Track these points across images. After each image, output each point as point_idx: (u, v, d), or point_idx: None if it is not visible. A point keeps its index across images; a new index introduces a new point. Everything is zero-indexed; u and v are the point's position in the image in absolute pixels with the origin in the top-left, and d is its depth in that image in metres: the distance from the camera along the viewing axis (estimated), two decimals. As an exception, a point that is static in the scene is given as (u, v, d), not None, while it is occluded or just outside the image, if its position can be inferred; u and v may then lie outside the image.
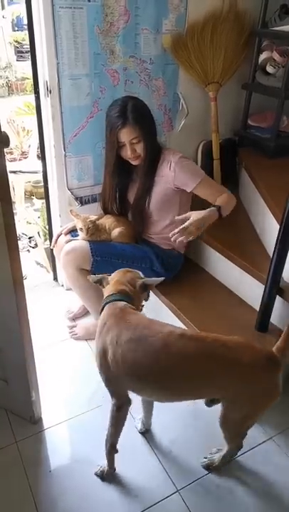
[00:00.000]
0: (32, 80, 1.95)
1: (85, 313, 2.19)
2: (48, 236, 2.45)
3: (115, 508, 1.41)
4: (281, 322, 1.79)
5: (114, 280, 1.44)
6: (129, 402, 1.41)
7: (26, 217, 3.03)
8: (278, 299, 1.72)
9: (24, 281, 1.45)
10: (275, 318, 1.78)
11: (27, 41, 1.88)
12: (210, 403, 1.40)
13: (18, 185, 3.34)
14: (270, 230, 1.87)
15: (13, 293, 1.34)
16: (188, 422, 1.66)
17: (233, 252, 1.92)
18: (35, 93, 1.95)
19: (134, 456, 1.55)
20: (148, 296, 1.47)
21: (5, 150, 1.15)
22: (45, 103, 1.92)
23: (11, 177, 3.26)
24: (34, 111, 2.04)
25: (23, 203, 3.37)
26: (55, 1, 1.71)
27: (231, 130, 2.43)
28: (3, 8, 7.03)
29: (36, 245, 2.83)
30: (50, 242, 2.19)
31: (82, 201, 2.17)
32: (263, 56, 2.18)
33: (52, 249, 2.15)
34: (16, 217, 3.02)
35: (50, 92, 1.87)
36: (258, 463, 1.54)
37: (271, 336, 1.77)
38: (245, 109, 2.32)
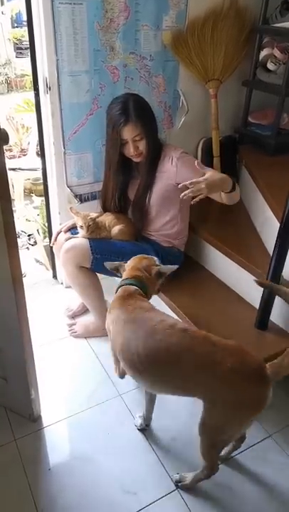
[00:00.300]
0: (31, 77, 1.94)
1: (84, 311, 2.19)
2: (47, 234, 2.44)
3: (114, 505, 1.41)
4: (281, 320, 1.79)
5: (130, 266, 1.52)
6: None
7: (25, 215, 3.02)
8: (278, 297, 1.72)
9: (23, 278, 1.45)
10: (274, 316, 1.77)
11: (26, 38, 1.86)
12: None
13: (17, 183, 3.33)
14: (270, 227, 1.87)
15: (12, 291, 1.34)
16: (187, 421, 1.66)
17: (232, 250, 1.92)
18: (34, 90, 1.94)
19: (133, 454, 1.55)
20: (163, 283, 1.53)
21: (4, 147, 1.15)
22: (45, 100, 1.91)
23: (10, 174, 3.25)
24: (33, 108, 2.03)
25: (23, 201, 3.36)
26: (54, -3, 1.70)
27: (232, 127, 2.42)
28: (2, 4, 7.00)
29: (36, 243, 2.82)
30: (50, 239, 2.19)
31: (81, 199, 2.16)
32: (263, 53, 2.17)
33: (51, 247, 2.14)
34: (15, 215, 3.02)
35: (50, 89, 1.86)
36: (257, 461, 1.54)
37: (271, 333, 1.77)
38: (245, 106, 2.32)
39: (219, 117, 2.21)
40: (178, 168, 1.78)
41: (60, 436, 1.62)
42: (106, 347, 2.00)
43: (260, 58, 2.19)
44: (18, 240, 2.87)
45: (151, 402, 1.60)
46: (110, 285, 2.20)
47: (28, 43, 1.87)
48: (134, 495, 1.43)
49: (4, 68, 6.40)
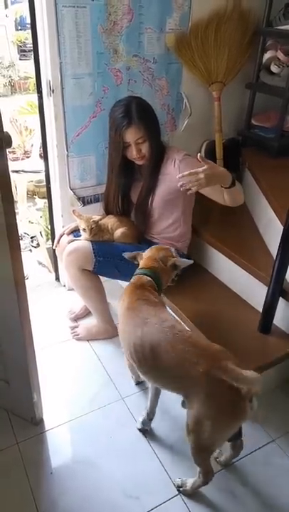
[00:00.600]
0: (35, 80, 1.94)
1: (86, 313, 2.19)
2: (50, 236, 2.44)
3: (117, 509, 1.40)
4: (284, 324, 1.78)
5: (147, 256, 1.58)
6: None
7: (28, 217, 3.02)
8: (281, 301, 1.71)
9: (26, 281, 1.45)
10: (278, 319, 1.76)
11: (30, 40, 1.87)
12: (183, 403, 1.38)
13: (20, 185, 3.33)
14: (273, 230, 1.86)
15: (14, 293, 1.33)
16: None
17: (236, 253, 1.91)
18: (37, 92, 1.95)
19: (135, 458, 1.54)
20: (178, 274, 1.58)
21: (7, 149, 1.15)
22: (48, 102, 1.91)
23: (13, 176, 3.26)
24: (37, 110, 2.03)
25: (26, 203, 3.37)
26: (58, 0, 1.70)
27: (235, 130, 2.42)
28: (6, 7, 7.03)
29: (38, 245, 2.82)
30: (53, 242, 2.19)
31: (84, 201, 2.16)
32: (267, 55, 2.17)
33: (54, 249, 2.14)
34: (18, 217, 3.02)
35: (53, 92, 1.86)
36: (260, 465, 1.53)
37: (274, 337, 1.76)
38: (248, 108, 2.31)
39: (222, 120, 2.21)
40: (180, 171, 1.77)
41: (62, 439, 1.62)
42: (109, 350, 2.00)
43: (264, 61, 2.18)
44: (21, 242, 2.87)
45: (155, 395, 1.60)
46: (113, 288, 2.21)
47: (31, 45, 1.87)
48: (136, 499, 1.42)
49: (8, 70, 6.42)
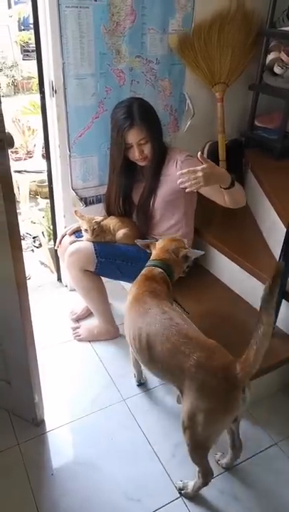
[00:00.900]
0: (37, 80, 1.94)
1: (88, 314, 2.18)
2: (52, 236, 2.44)
3: (117, 512, 1.40)
4: (286, 326, 1.77)
5: (160, 246, 1.60)
6: None
7: (31, 217, 3.02)
8: (284, 303, 1.70)
9: (28, 281, 1.45)
10: (279, 321, 1.76)
11: (33, 40, 1.87)
12: (178, 398, 1.39)
13: (22, 185, 3.34)
14: (276, 232, 1.85)
15: (16, 293, 1.33)
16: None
17: (238, 255, 1.90)
18: (40, 93, 1.94)
19: (137, 460, 1.54)
20: (189, 265, 1.61)
21: (10, 150, 1.14)
22: (51, 103, 1.91)
23: (16, 176, 3.26)
24: (39, 110, 2.03)
25: (28, 203, 3.37)
26: (61, 1, 1.70)
27: (238, 131, 2.41)
28: (9, 7, 7.04)
29: (40, 245, 2.82)
30: (55, 242, 2.18)
31: (86, 202, 2.16)
32: (270, 56, 2.16)
33: (56, 250, 2.14)
34: (20, 217, 3.03)
35: (56, 92, 1.86)
36: (263, 469, 1.52)
37: (276, 338, 1.75)
38: (252, 109, 2.31)
39: (225, 121, 2.20)
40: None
41: (63, 440, 1.61)
42: (110, 351, 2.00)
43: (267, 62, 2.18)
44: (24, 242, 2.87)
45: (137, 361, 1.68)
46: (115, 288, 2.21)
47: (34, 45, 1.87)
48: (137, 502, 1.42)
49: (11, 70, 6.44)
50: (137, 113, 1.71)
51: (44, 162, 2.25)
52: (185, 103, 2.20)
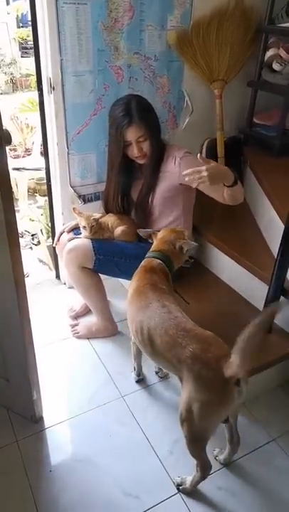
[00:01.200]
0: (36, 77, 1.94)
1: (87, 311, 2.18)
2: (50, 234, 2.44)
3: (116, 508, 1.40)
4: (285, 323, 1.77)
5: (160, 237, 1.62)
6: None
7: (29, 215, 3.02)
8: (282, 300, 1.70)
9: (26, 278, 1.45)
10: (279, 319, 1.76)
11: (31, 37, 1.86)
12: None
13: (21, 182, 3.33)
14: (274, 229, 1.85)
15: (14, 291, 1.33)
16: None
17: (237, 252, 1.90)
18: (38, 90, 1.94)
19: (135, 457, 1.54)
20: (192, 257, 1.64)
21: (8, 147, 1.14)
22: (49, 100, 1.91)
23: (14, 174, 3.25)
24: (38, 107, 2.03)
25: (26, 200, 3.36)
26: (59, -3, 1.69)
27: (236, 128, 2.41)
28: (7, 4, 7.01)
29: (39, 243, 2.82)
30: (53, 239, 2.18)
31: (85, 199, 2.16)
32: (269, 53, 2.16)
33: (54, 247, 2.14)
34: (18, 215, 3.03)
35: (54, 89, 1.86)
36: (261, 465, 1.53)
37: (275, 336, 1.76)
38: (250, 106, 2.30)
39: (224, 118, 2.20)
40: (181, 169, 1.77)
41: (61, 437, 1.62)
42: (109, 348, 2.00)
43: (266, 59, 2.17)
44: (22, 239, 2.87)
45: (138, 354, 1.74)
46: (113, 286, 2.21)
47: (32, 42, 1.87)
48: (135, 498, 1.42)
49: (9, 68, 6.41)
50: (135, 110, 1.71)
51: (42, 159, 2.25)
52: (183, 100, 2.19)
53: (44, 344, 1.98)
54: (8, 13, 6.81)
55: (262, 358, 1.65)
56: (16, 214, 1.29)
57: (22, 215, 3.10)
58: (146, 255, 1.61)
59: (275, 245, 1.75)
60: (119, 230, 1.90)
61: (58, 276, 2.48)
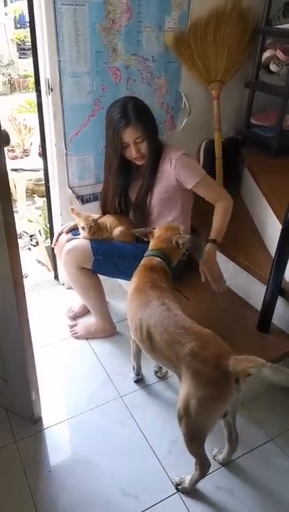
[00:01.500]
0: (34, 78, 1.94)
1: (85, 312, 2.18)
2: (49, 234, 2.44)
3: (115, 508, 1.40)
4: (283, 322, 1.78)
5: (157, 235, 1.64)
6: None
7: (28, 216, 3.02)
8: (280, 299, 1.71)
9: (25, 279, 1.45)
10: (276, 318, 1.77)
11: (29, 38, 1.87)
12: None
13: (19, 183, 3.33)
14: (272, 229, 1.86)
15: (12, 291, 1.33)
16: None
17: (234, 252, 1.91)
18: (36, 91, 1.95)
19: (134, 457, 1.55)
20: (184, 251, 1.67)
21: (6, 148, 1.14)
22: (47, 101, 1.91)
23: (12, 175, 3.25)
24: (36, 109, 2.03)
25: (25, 201, 3.36)
26: (57, -2, 1.70)
27: (234, 129, 2.41)
28: (5, 5, 7.01)
29: (37, 243, 2.82)
30: (51, 240, 2.18)
31: (83, 200, 2.16)
32: (266, 54, 2.17)
33: (53, 248, 2.14)
34: (17, 216, 3.03)
35: (52, 90, 1.86)
36: (259, 464, 1.53)
37: (272, 336, 1.76)
38: (248, 107, 2.31)
39: (222, 119, 2.21)
40: (176, 170, 1.78)
41: (60, 438, 1.62)
42: (107, 349, 2.00)
43: (263, 60, 2.18)
44: (20, 240, 2.87)
45: (138, 353, 1.76)
46: (112, 286, 2.21)
47: (30, 43, 1.87)
48: (134, 498, 1.42)
49: (7, 69, 6.40)
50: (132, 112, 1.71)
51: (41, 160, 2.25)
52: (181, 101, 2.20)
53: (43, 345, 1.98)
54: (6, 14, 6.81)
55: (261, 358, 1.65)
56: (14, 215, 1.29)
57: (20, 216, 3.10)
58: (146, 254, 1.62)
59: (272, 245, 1.75)
60: (117, 231, 1.91)
61: (56, 277, 2.48)
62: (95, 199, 2.17)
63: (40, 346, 1.94)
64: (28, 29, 1.84)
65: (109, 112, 1.78)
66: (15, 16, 6.88)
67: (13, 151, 3.70)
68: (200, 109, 2.24)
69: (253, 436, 1.61)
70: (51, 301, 2.31)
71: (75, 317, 2.18)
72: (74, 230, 1.98)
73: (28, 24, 1.91)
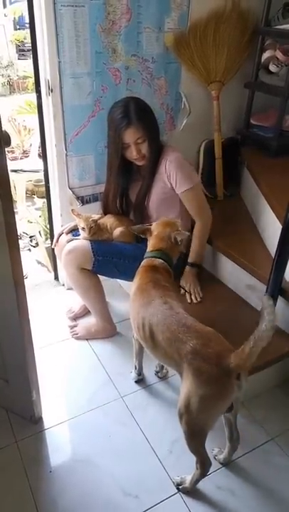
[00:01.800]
0: (33, 79, 1.94)
1: (85, 312, 2.19)
2: (49, 235, 2.44)
3: (115, 508, 1.40)
4: (283, 323, 1.78)
5: (155, 234, 1.63)
6: None
7: (27, 216, 3.02)
8: (280, 300, 1.71)
9: (25, 280, 1.45)
10: (277, 318, 1.76)
11: (29, 40, 1.87)
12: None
13: (19, 184, 3.34)
14: (272, 229, 1.86)
15: (13, 292, 1.33)
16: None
17: (234, 252, 1.91)
18: (36, 92, 1.95)
19: (134, 457, 1.55)
20: (184, 247, 1.71)
21: (6, 149, 1.15)
22: (47, 102, 1.91)
23: (12, 176, 3.26)
24: (36, 109, 2.03)
25: (25, 202, 3.37)
26: (56, -1, 1.70)
27: (234, 129, 2.42)
28: (4, 6, 7.02)
29: (37, 244, 2.82)
30: (52, 241, 2.19)
31: (83, 200, 2.16)
32: (266, 55, 2.17)
33: (53, 249, 2.14)
34: (17, 216, 3.02)
35: (52, 91, 1.86)
36: (259, 464, 1.53)
37: (273, 336, 1.76)
38: (247, 108, 2.31)
39: (221, 119, 2.21)
40: (167, 172, 1.80)
41: (61, 438, 1.62)
42: (108, 349, 2.00)
43: (263, 60, 2.19)
44: (20, 241, 2.87)
45: (140, 352, 1.76)
46: (112, 287, 2.21)
47: (30, 44, 1.87)
48: (135, 498, 1.42)
49: (7, 70, 6.42)
50: (134, 112, 1.72)
51: (40, 161, 2.25)
52: (181, 101, 2.20)
53: (43, 345, 1.99)
54: (6, 16, 6.82)
55: (260, 358, 1.65)
56: (15, 216, 1.29)
57: (20, 216, 3.10)
58: (146, 255, 1.62)
59: (272, 245, 1.76)
60: (118, 231, 1.91)
61: (56, 278, 2.48)
62: (95, 200, 2.18)
63: (41, 347, 1.94)
64: (28, 30, 1.85)
65: (111, 112, 1.79)
66: (14, 18, 6.90)
67: (12, 152, 3.71)
68: (200, 109, 2.24)
69: (253, 436, 1.61)
70: (51, 302, 2.31)
71: (76, 318, 2.18)
72: (74, 231, 1.99)
73: (27, 25, 1.91)
